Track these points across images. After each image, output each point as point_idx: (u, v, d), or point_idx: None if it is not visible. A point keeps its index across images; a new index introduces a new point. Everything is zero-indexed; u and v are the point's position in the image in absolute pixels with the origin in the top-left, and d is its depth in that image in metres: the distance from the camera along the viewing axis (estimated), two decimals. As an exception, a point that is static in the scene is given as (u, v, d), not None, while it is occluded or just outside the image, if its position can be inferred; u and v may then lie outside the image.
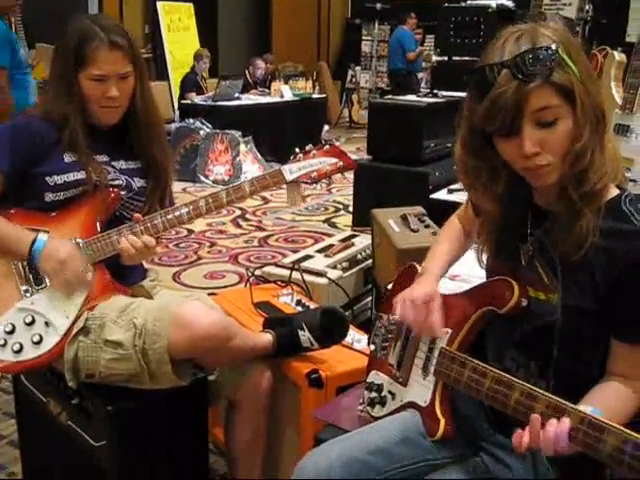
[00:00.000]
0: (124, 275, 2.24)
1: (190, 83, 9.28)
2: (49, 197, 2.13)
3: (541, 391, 1.36)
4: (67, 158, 2.16)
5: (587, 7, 5.74)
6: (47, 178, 2.12)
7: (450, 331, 1.65)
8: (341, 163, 2.26)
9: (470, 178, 1.56)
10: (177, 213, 2.16)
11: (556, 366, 1.49)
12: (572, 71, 1.38)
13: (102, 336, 2.03)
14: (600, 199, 1.43)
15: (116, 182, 2.22)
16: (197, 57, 9.53)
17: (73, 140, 2.15)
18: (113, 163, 2.25)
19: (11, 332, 2.05)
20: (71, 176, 2.15)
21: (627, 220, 1.41)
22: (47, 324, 2.06)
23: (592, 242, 1.41)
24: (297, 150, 2.28)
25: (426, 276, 1.79)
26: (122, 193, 2.22)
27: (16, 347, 2.04)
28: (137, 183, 2.28)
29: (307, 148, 2.27)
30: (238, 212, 6.78)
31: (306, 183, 2.27)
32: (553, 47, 1.37)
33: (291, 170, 2.24)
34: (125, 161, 2.28)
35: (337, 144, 2.32)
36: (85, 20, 2.20)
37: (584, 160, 1.40)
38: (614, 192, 1.46)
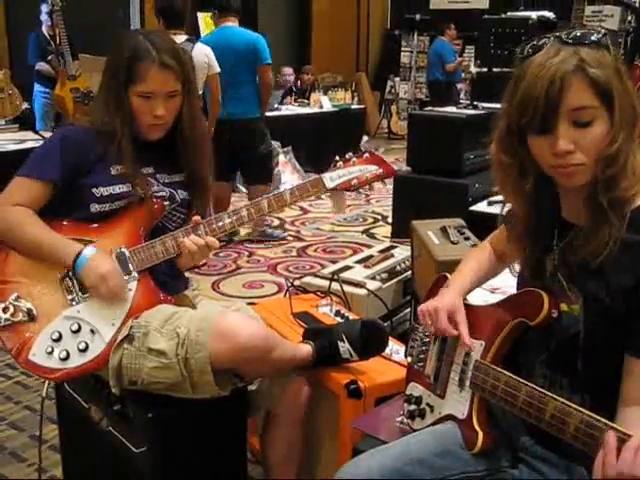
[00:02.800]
0: (168, 285, 2.27)
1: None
2: (95, 208, 2.17)
3: (575, 406, 1.35)
4: (113, 170, 2.20)
5: (629, 18, 5.70)
6: (94, 189, 2.16)
7: (483, 343, 1.65)
8: (381, 170, 2.28)
9: (502, 175, 1.57)
10: (220, 223, 2.19)
11: (585, 380, 1.49)
12: (612, 72, 1.39)
13: (146, 344, 2.06)
14: (627, 206, 1.43)
15: (160, 194, 2.26)
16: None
17: (120, 153, 2.18)
18: (157, 176, 2.29)
19: (58, 340, 2.08)
20: (117, 188, 2.18)
21: None
22: (93, 332, 2.09)
23: (611, 250, 1.41)
24: (337, 158, 2.30)
25: (449, 289, 1.81)
26: (165, 204, 2.26)
27: (63, 354, 2.07)
28: (180, 195, 2.32)
29: (347, 156, 2.29)
30: (277, 222, 6.80)
31: (347, 190, 2.29)
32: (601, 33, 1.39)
33: (331, 178, 2.26)
34: (168, 174, 2.32)
35: (377, 152, 2.34)
36: (138, 36, 2.23)
37: (616, 165, 1.40)
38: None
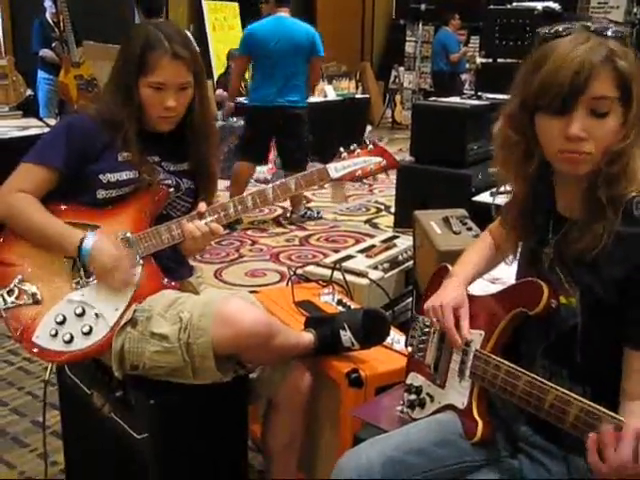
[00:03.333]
0: (172, 271, 2.27)
1: (221, 82, 9.37)
2: (101, 194, 2.17)
3: (575, 395, 1.36)
4: (120, 157, 2.20)
5: (635, 10, 5.68)
6: (100, 176, 2.16)
7: (483, 333, 1.66)
8: (385, 162, 2.30)
9: (506, 153, 1.57)
10: (225, 211, 2.20)
11: (585, 371, 1.50)
12: (635, 69, 1.40)
13: (149, 328, 2.07)
14: (623, 204, 1.44)
15: (166, 182, 2.27)
16: (229, 56, 9.59)
17: (127, 141, 2.18)
18: (163, 164, 2.29)
19: (62, 323, 2.09)
20: (123, 175, 2.19)
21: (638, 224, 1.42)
22: (97, 315, 2.10)
23: (605, 244, 1.42)
24: (342, 149, 2.31)
25: (454, 280, 1.81)
26: (170, 191, 2.26)
27: (67, 337, 2.08)
28: (185, 184, 2.32)
29: (352, 147, 2.30)
30: (280, 211, 6.81)
31: (351, 181, 2.31)
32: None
33: (336, 168, 2.28)
34: (174, 163, 2.32)
35: (381, 144, 2.35)
36: (149, 27, 2.23)
37: (622, 161, 1.41)
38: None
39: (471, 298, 1.77)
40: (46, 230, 2.12)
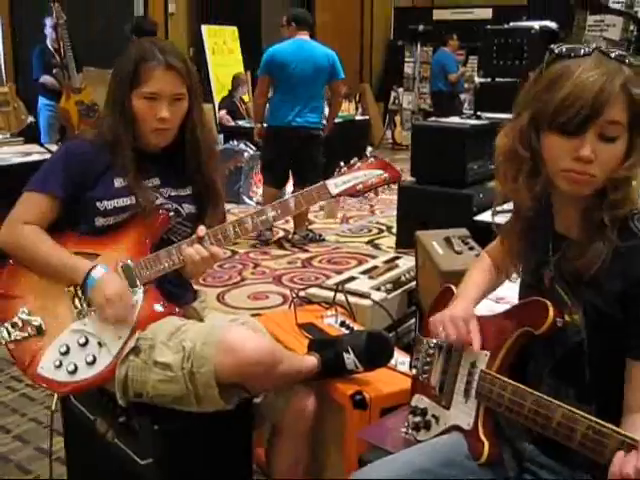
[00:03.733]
0: (175, 296, 2.26)
1: (224, 104, 9.42)
2: (100, 222, 2.17)
3: (582, 413, 1.35)
4: (117, 183, 2.19)
5: (632, 27, 5.69)
6: (97, 203, 2.16)
7: (489, 353, 1.65)
8: (386, 175, 2.26)
9: (513, 169, 1.56)
10: (225, 234, 2.17)
11: (592, 389, 1.49)
12: None
13: (152, 357, 2.06)
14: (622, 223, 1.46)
15: (165, 206, 2.25)
16: (235, 83, 9.66)
17: (123, 165, 2.17)
18: (162, 190, 2.27)
19: (66, 353, 2.10)
20: (121, 202, 2.18)
21: (636, 237, 1.44)
22: (100, 344, 2.10)
23: (604, 261, 1.43)
24: (342, 164, 2.28)
25: (462, 298, 1.81)
26: (171, 215, 2.25)
27: (71, 368, 2.08)
28: (186, 210, 2.30)
29: (352, 162, 2.27)
30: (281, 233, 6.81)
31: (352, 196, 2.28)
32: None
33: (336, 184, 2.24)
34: (174, 188, 2.29)
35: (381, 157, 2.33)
36: (145, 42, 2.24)
37: (626, 187, 1.43)
38: None
39: (477, 318, 1.76)
40: (52, 261, 2.13)
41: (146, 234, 2.20)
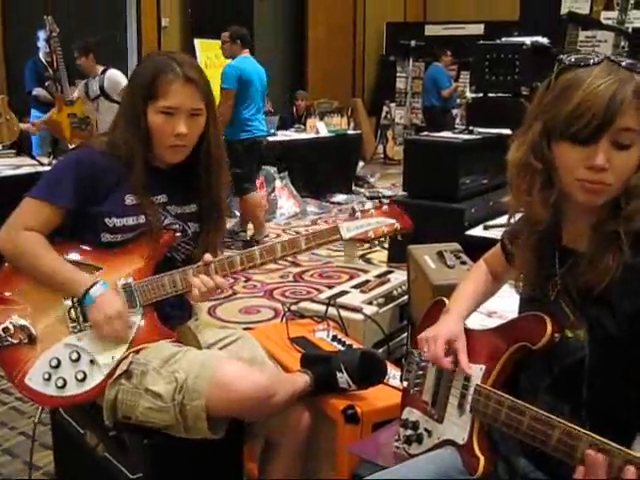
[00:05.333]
0: (172, 317, 2.25)
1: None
2: (106, 237, 2.13)
3: (583, 430, 1.33)
4: (128, 200, 2.14)
5: (623, 43, 5.73)
6: (106, 219, 2.12)
7: (484, 367, 1.64)
8: (398, 225, 2.26)
9: (527, 181, 1.53)
10: (231, 264, 2.17)
11: (589, 407, 1.48)
12: None
13: (143, 383, 2.04)
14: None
15: (173, 227, 2.22)
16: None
17: (136, 182, 2.12)
18: (168, 207, 2.22)
19: (56, 367, 2.07)
20: (130, 220, 2.14)
21: None
22: (92, 362, 2.07)
23: (614, 276, 1.41)
24: (355, 207, 2.27)
25: (450, 315, 1.79)
26: (177, 235, 2.22)
27: (60, 382, 2.06)
28: (191, 229, 2.27)
29: (366, 206, 2.27)
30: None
31: (362, 242, 2.27)
32: None
33: (348, 228, 2.23)
34: (180, 205, 2.25)
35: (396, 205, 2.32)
36: (161, 54, 2.21)
37: None
38: None
39: (471, 332, 1.75)
40: (52, 271, 2.09)
41: (150, 253, 2.16)
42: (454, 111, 11.60)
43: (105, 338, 2.08)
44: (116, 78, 6.98)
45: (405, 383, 1.92)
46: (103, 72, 7.13)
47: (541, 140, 1.49)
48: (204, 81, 2.15)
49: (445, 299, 1.89)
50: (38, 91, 7.51)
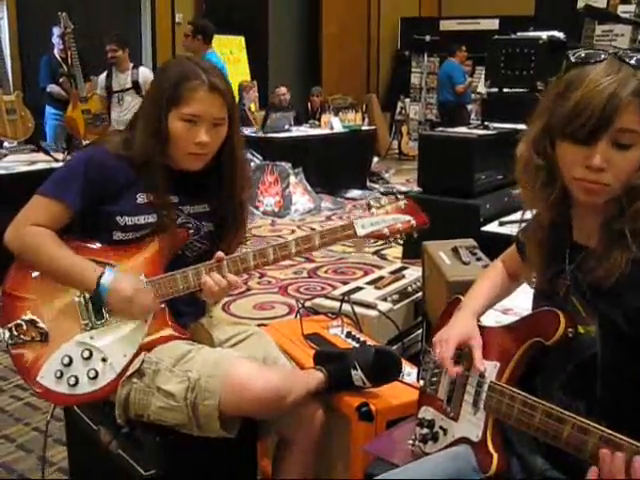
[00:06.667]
0: (185, 314, 2.24)
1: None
2: (118, 236, 2.12)
3: (594, 424, 1.33)
4: (140, 199, 2.13)
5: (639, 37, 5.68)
6: (118, 218, 2.10)
7: (498, 364, 1.63)
8: (414, 222, 2.24)
9: (530, 177, 1.54)
10: (244, 264, 2.16)
11: (603, 404, 1.46)
12: None
13: (155, 382, 2.03)
14: None
15: (187, 225, 2.21)
16: (241, 89, 9.70)
17: (152, 183, 2.11)
18: (181, 207, 2.21)
19: (68, 365, 2.06)
20: (142, 219, 2.13)
21: None
22: (104, 360, 2.07)
23: (623, 272, 1.40)
24: (371, 203, 2.25)
25: (463, 312, 1.79)
26: (191, 233, 2.21)
27: (72, 381, 2.05)
28: (205, 228, 2.25)
29: (382, 202, 2.25)
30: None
31: (377, 239, 2.25)
32: None
33: (363, 225, 2.21)
34: (192, 205, 2.23)
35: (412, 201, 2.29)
36: (185, 60, 2.18)
37: None
38: None
39: (485, 329, 1.74)
40: (61, 265, 2.08)
41: (163, 251, 2.14)
42: (469, 107, 11.56)
43: (135, 316, 2.07)
44: (150, 75, 7.06)
45: (422, 382, 1.91)
46: (135, 67, 7.21)
47: (543, 137, 1.49)
48: (228, 90, 2.13)
49: (461, 297, 1.87)
50: (52, 87, 7.55)
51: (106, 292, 2.05)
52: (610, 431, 1.30)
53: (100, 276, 2.05)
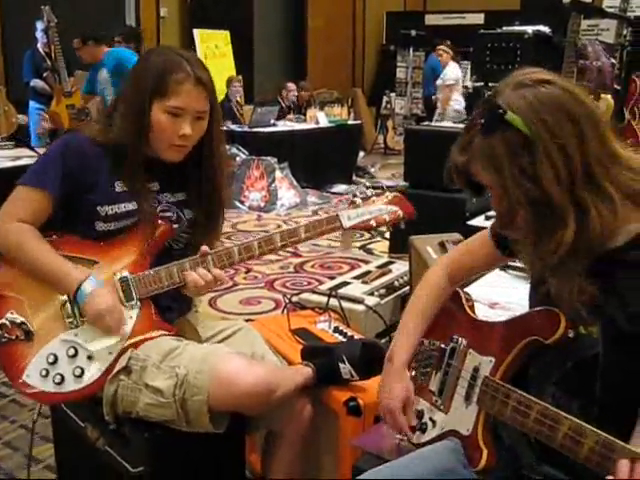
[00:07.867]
0: (170, 309, 2.22)
1: (225, 112, 9.41)
2: (100, 226, 2.11)
3: (590, 427, 1.32)
4: (118, 187, 2.12)
5: (625, 32, 5.70)
6: (98, 208, 2.09)
7: (493, 360, 1.62)
8: (400, 212, 2.22)
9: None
10: (229, 257, 2.13)
11: (599, 404, 1.45)
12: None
13: (143, 379, 2.02)
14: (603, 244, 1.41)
15: (167, 214, 2.20)
16: (228, 83, 9.68)
17: (130, 171, 2.10)
18: (160, 195, 2.20)
19: (53, 363, 2.05)
20: (122, 207, 2.11)
21: None
22: (90, 358, 2.05)
23: (623, 271, 1.39)
24: (357, 194, 2.23)
25: (396, 369, 1.83)
26: (175, 227, 2.20)
27: (57, 379, 2.03)
28: (186, 215, 2.24)
29: (368, 193, 2.23)
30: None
31: (363, 230, 2.23)
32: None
33: (349, 216, 2.19)
34: (172, 193, 2.23)
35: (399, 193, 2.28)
36: (168, 50, 2.16)
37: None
38: None
39: (483, 323, 1.73)
40: (43, 266, 2.06)
41: (147, 245, 2.13)
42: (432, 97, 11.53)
43: (104, 330, 2.06)
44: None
45: (413, 372, 1.90)
46: None
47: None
48: (211, 82, 2.12)
49: (460, 290, 1.85)
50: (36, 82, 7.50)
51: (83, 300, 2.04)
52: (607, 435, 1.28)
53: (80, 284, 2.03)
